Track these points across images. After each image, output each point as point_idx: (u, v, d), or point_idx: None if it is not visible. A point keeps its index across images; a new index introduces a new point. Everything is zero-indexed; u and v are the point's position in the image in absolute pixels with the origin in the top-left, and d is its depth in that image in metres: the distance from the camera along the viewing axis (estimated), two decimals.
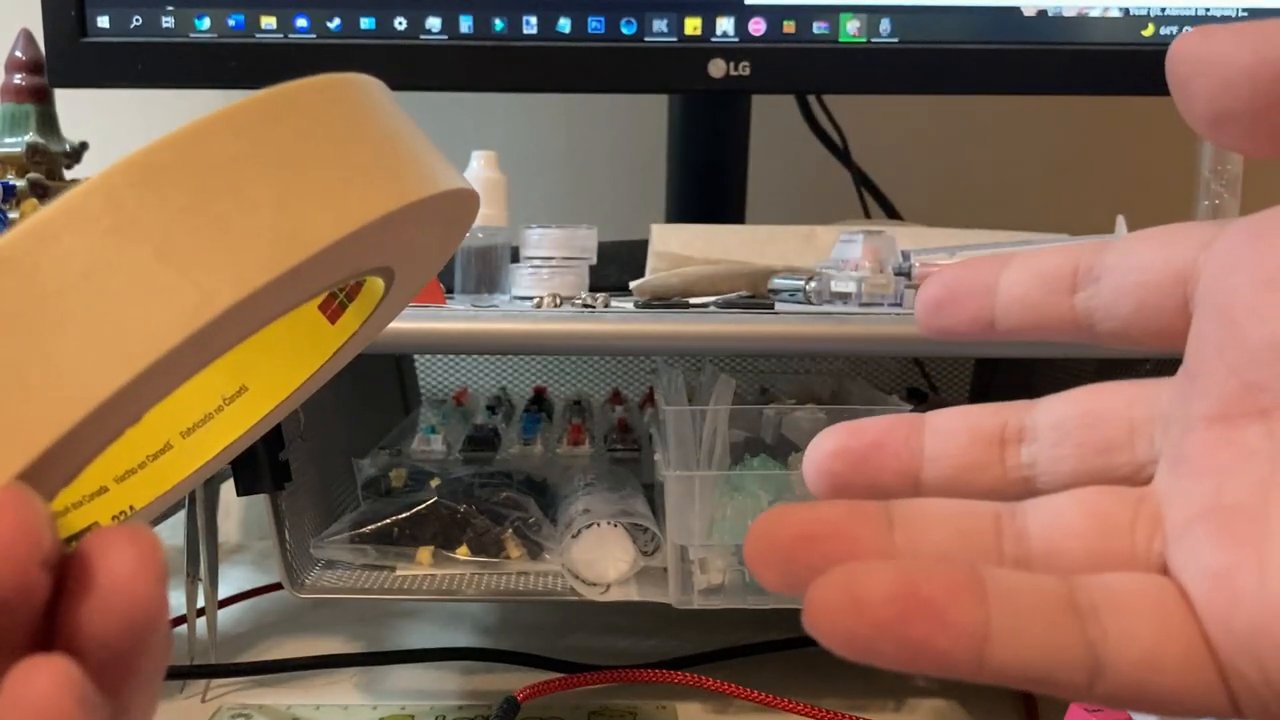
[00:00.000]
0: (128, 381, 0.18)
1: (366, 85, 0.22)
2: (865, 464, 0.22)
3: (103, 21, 0.69)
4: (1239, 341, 0.18)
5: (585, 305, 0.56)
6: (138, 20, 0.69)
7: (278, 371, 0.28)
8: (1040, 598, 0.17)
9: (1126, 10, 0.69)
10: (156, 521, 0.69)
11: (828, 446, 0.22)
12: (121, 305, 0.18)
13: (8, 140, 0.66)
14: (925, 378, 0.91)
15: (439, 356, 0.91)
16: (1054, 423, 0.21)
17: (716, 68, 0.69)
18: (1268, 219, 0.18)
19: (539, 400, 0.85)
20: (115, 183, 0.18)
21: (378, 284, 0.26)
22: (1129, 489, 0.19)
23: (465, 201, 0.24)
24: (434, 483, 0.63)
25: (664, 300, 0.58)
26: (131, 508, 0.27)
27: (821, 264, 0.56)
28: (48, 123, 0.68)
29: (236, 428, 0.28)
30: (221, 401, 0.28)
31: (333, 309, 0.27)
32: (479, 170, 0.62)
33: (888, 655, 0.17)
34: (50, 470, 0.18)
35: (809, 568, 0.18)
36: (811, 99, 0.87)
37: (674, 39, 0.69)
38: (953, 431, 0.22)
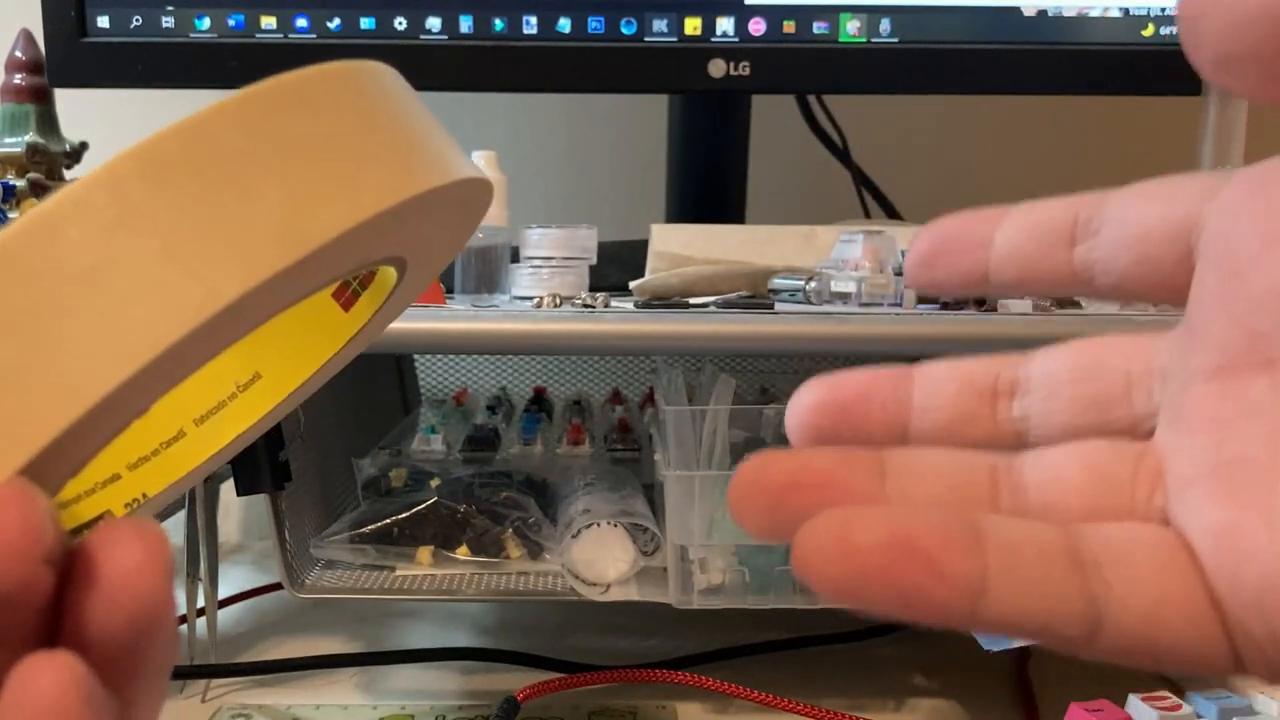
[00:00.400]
0: (131, 376, 0.17)
1: (377, 72, 0.21)
2: (850, 416, 0.21)
3: (103, 21, 0.69)
4: (1243, 292, 0.17)
5: (585, 305, 0.56)
6: (138, 20, 0.69)
7: (291, 359, 0.28)
8: (1040, 548, 0.17)
9: (1126, 10, 0.69)
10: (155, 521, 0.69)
11: (808, 400, 0.22)
12: (126, 299, 0.17)
13: (8, 140, 0.66)
14: None
15: (439, 356, 0.91)
16: (1048, 375, 0.21)
17: (716, 68, 0.69)
18: (1273, 169, 0.18)
19: (539, 400, 0.85)
20: (120, 174, 0.18)
21: (390, 273, 0.25)
22: (1129, 444, 0.19)
23: (478, 190, 0.23)
24: (434, 483, 0.63)
25: (664, 300, 0.58)
26: (144, 495, 0.26)
27: (821, 264, 0.56)
28: (48, 123, 0.68)
29: (250, 415, 0.28)
30: (235, 389, 0.28)
31: (346, 297, 0.27)
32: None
33: (878, 601, 0.16)
34: (54, 464, 0.18)
35: (797, 515, 0.17)
36: (811, 99, 0.87)
37: (674, 39, 0.69)
38: (942, 382, 0.21)
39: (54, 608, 0.18)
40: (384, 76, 0.22)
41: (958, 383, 0.21)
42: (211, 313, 0.18)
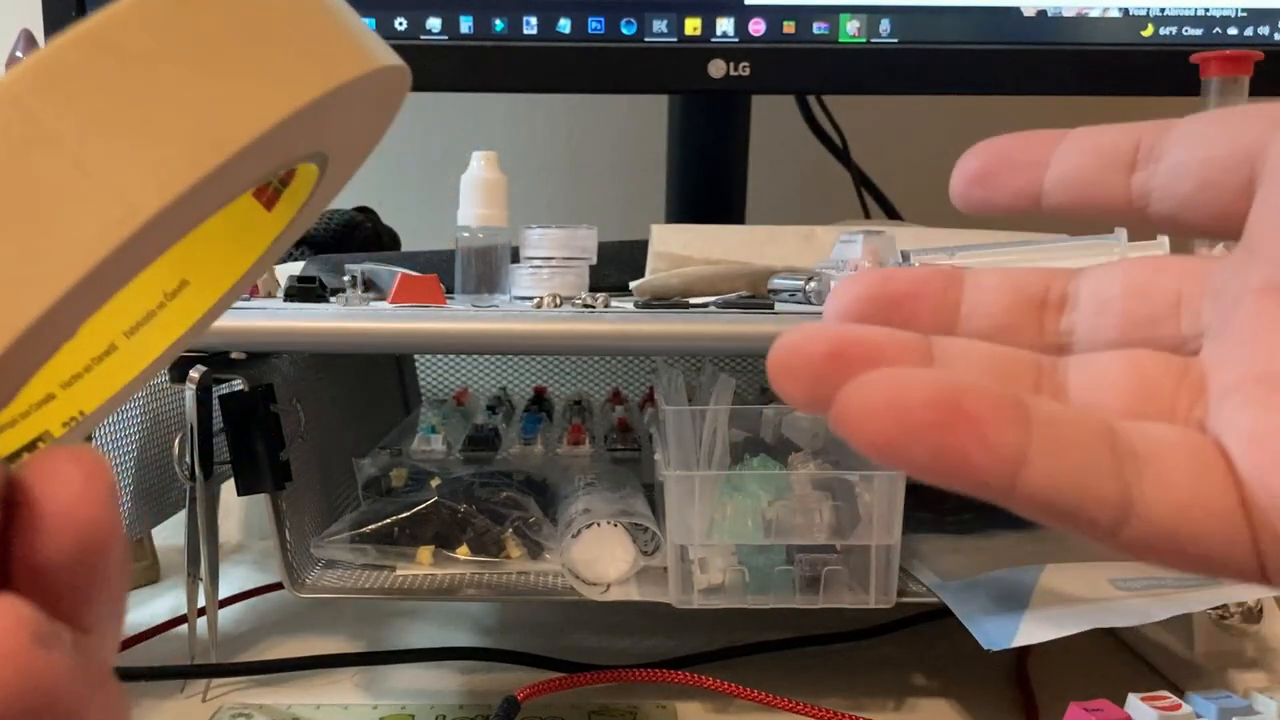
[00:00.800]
0: (54, 302, 0.17)
1: None
2: (898, 311, 0.21)
3: None
4: None
5: (585, 305, 0.56)
6: None
7: (218, 263, 0.27)
8: (1083, 431, 0.17)
9: (1126, 10, 0.69)
10: (155, 521, 0.69)
11: (857, 291, 0.21)
12: (42, 220, 0.17)
13: None
14: None
15: (439, 356, 0.91)
16: (1098, 291, 0.21)
17: (716, 68, 0.69)
18: None
19: (539, 400, 0.85)
20: (21, 90, 0.17)
21: (311, 170, 0.25)
22: (1175, 358, 0.19)
23: (396, 78, 0.22)
24: (434, 482, 0.63)
25: (664, 300, 0.58)
26: (81, 412, 0.26)
27: (821, 264, 0.56)
28: None
29: (181, 324, 0.27)
30: (163, 298, 0.27)
31: (268, 196, 0.26)
32: (479, 170, 0.62)
33: (919, 463, 0.16)
34: None
35: (840, 385, 0.17)
36: (811, 99, 0.87)
37: (674, 39, 0.69)
38: (992, 290, 0.21)
39: (1, 545, 0.18)
40: None
41: (1008, 292, 0.21)
42: (132, 230, 0.17)
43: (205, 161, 0.18)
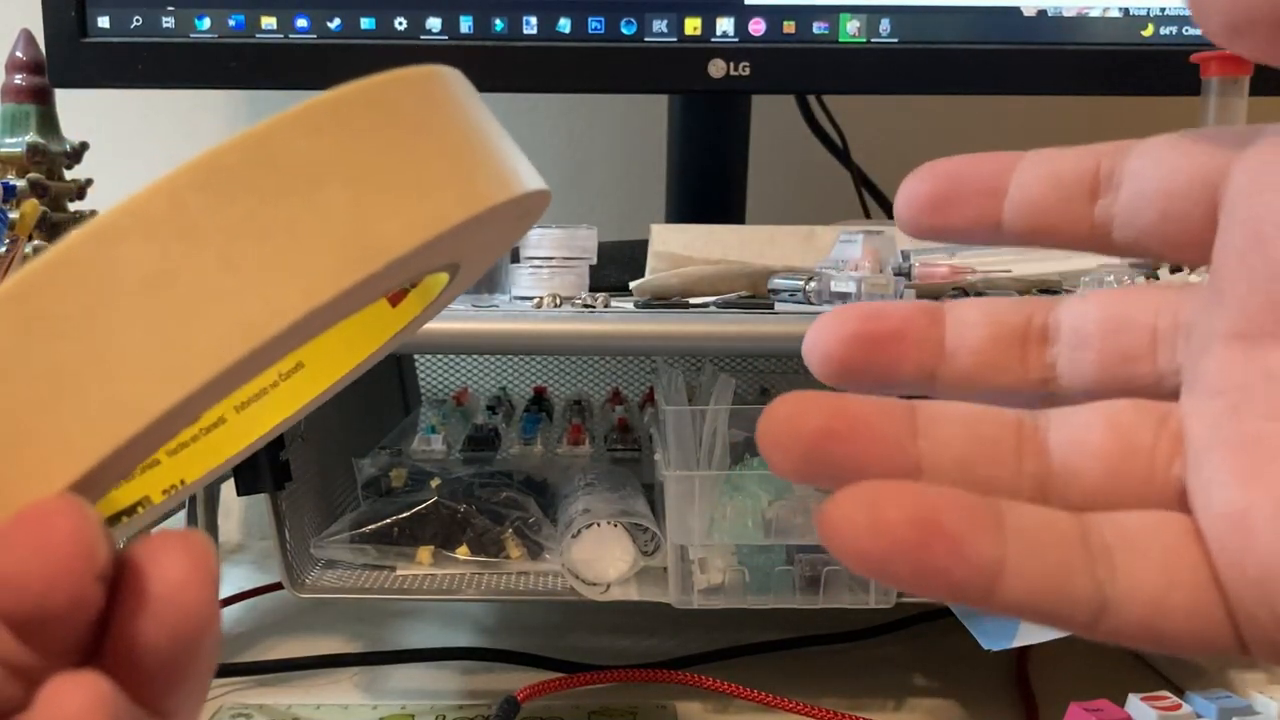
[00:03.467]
0: (187, 395, 0.17)
1: (444, 78, 0.21)
2: (882, 354, 0.20)
3: (103, 22, 0.69)
4: (1266, 258, 0.17)
5: (585, 305, 0.56)
6: (138, 20, 0.69)
7: (336, 351, 0.27)
8: (1055, 534, 0.17)
9: (1126, 10, 0.69)
10: (156, 522, 0.69)
11: (843, 331, 0.20)
12: (184, 315, 0.17)
13: (8, 140, 0.66)
14: None
15: (439, 356, 0.91)
16: (1076, 326, 0.20)
17: (716, 68, 0.69)
18: None
19: (539, 400, 0.85)
20: (180, 185, 0.17)
21: (442, 276, 0.25)
22: (1154, 405, 0.19)
23: (537, 200, 0.23)
24: (434, 483, 0.63)
25: (664, 300, 0.58)
26: (182, 481, 0.26)
27: (821, 264, 0.56)
28: (48, 123, 0.68)
29: (291, 404, 0.27)
30: (278, 378, 0.27)
31: (395, 294, 0.26)
32: None
33: (901, 577, 0.16)
34: (105, 477, 0.18)
35: (830, 464, 0.18)
36: (811, 99, 0.87)
37: (674, 39, 0.69)
38: (973, 325, 0.21)
39: (102, 619, 0.18)
40: (451, 81, 0.21)
41: (989, 325, 0.21)
42: (273, 333, 0.17)
43: (350, 275, 0.18)
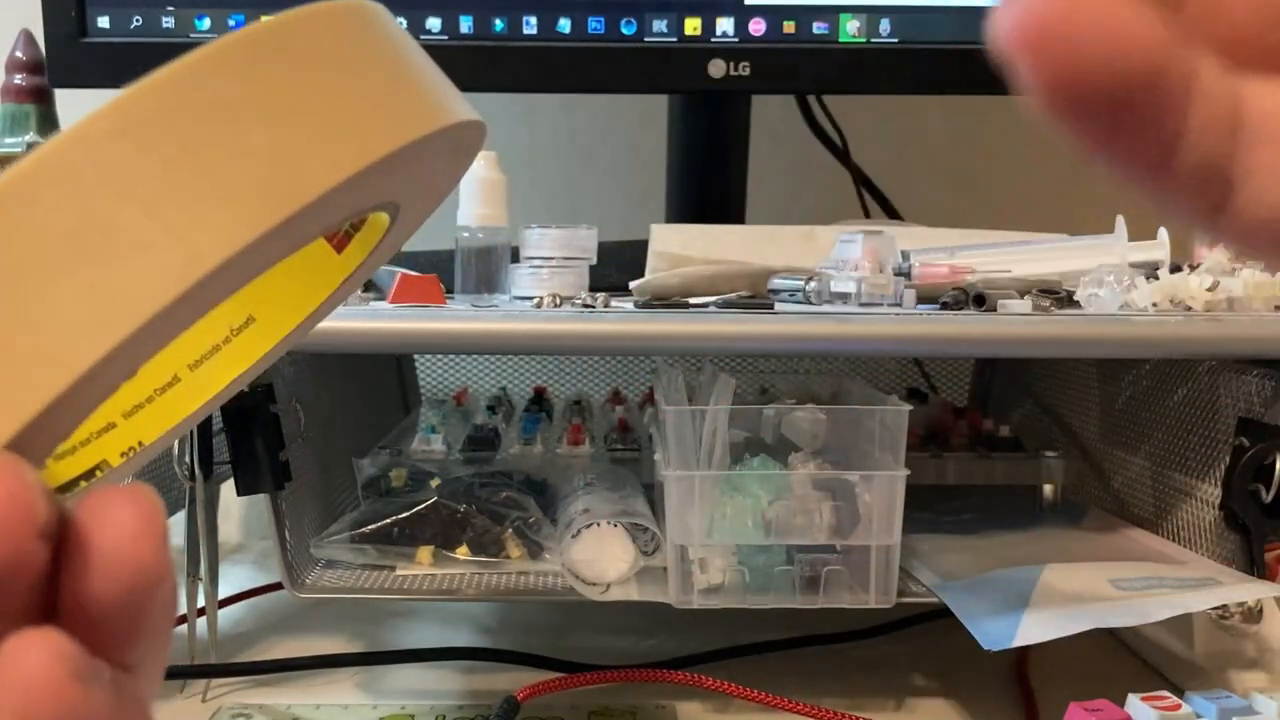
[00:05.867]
0: (116, 345, 0.17)
1: (363, 9, 0.20)
2: None
3: (103, 22, 0.69)
4: None
5: (585, 305, 0.56)
6: (138, 21, 0.69)
7: (285, 302, 0.27)
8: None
9: None
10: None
11: None
12: (109, 264, 0.17)
13: (8, 140, 0.66)
14: (925, 377, 0.91)
15: (439, 356, 0.91)
16: None
17: (716, 68, 0.69)
18: None
19: (539, 400, 0.85)
20: (95, 133, 0.17)
21: (383, 217, 0.25)
22: None
23: (472, 131, 0.23)
24: (434, 483, 0.63)
25: (664, 300, 0.58)
26: (140, 443, 0.26)
27: (821, 264, 0.56)
28: (48, 123, 0.68)
29: (245, 359, 0.27)
30: (229, 333, 0.27)
31: (338, 239, 0.26)
32: (479, 170, 0.62)
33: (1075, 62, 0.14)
34: (41, 435, 0.18)
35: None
36: (811, 99, 0.87)
37: (674, 39, 0.69)
38: None
39: (50, 577, 0.18)
40: (371, 14, 0.20)
41: None
42: (198, 276, 0.17)
43: (274, 213, 0.18)
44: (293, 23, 0.19)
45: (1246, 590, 0.53)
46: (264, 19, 0.19)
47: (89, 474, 0.25)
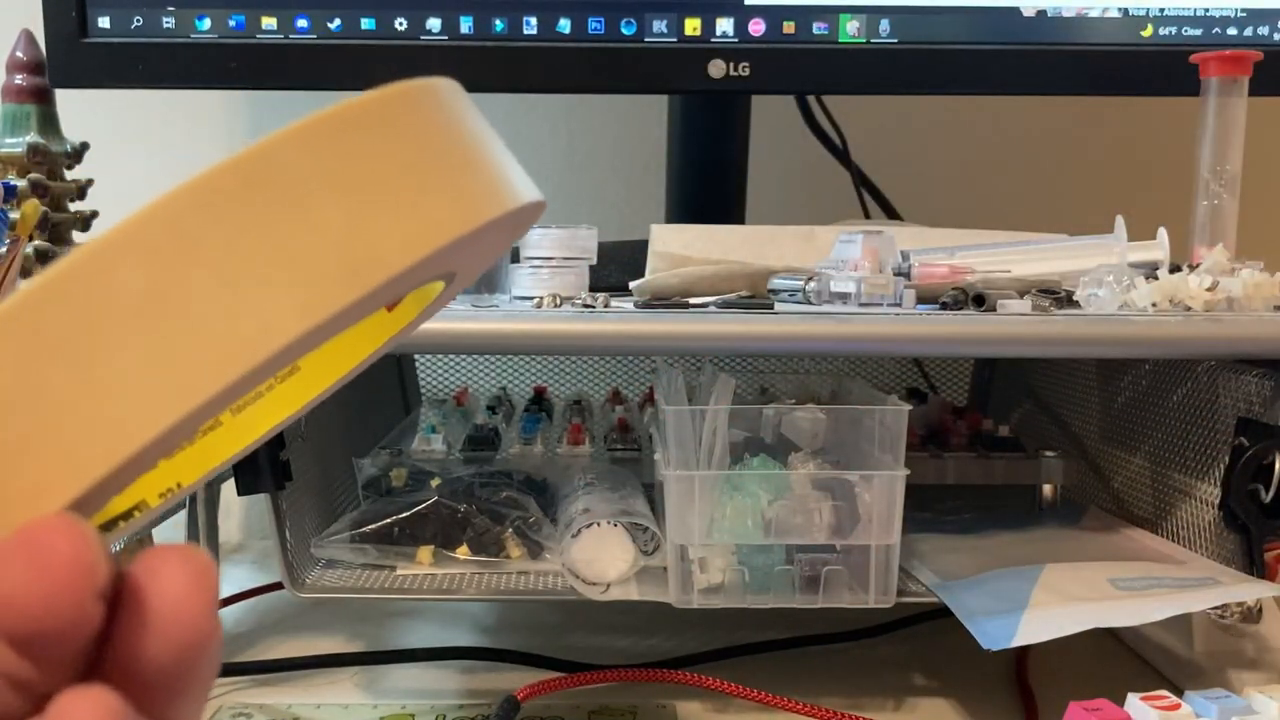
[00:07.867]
0: (184, 415, 0.17)
1: (440, 91, 0.20)
2: None
3: (103, 22, 0.69)
4: None
5: (585, 305, 0.56)
6: (138, 21, 0.69)
7: (332, 355, 0.27)
8: None
9: (1126, 10, 0.69)
10: (157, 521, 0.69)
11: None
12: (182, 335, 0.17)
13: (9, 140, 0.66)
14: (924, 377, 0.91)
15: (439, 356, 0.91)
16: None
17: (716, 68, 0.69)
18: None
19: (539, 400, 0.85)
20: (177, 206, 0.17)
21: (438, 284, 0.25)
22: None
23: (532, 210, 0.23)
24: (434, 482, 0.63)
25: (664, 300, 0.58)
26: (179, 484, 0.26)
27: (821, 264, 0.56)
28: (49, 123, 0.68)
29: (287, 407, 0.27)
30: (274, 381, 0.27)
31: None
32: None
33: None
34: (103, 495, 0.18)
35: None
36: (811, 99, 0.87)
37: (674, 39, 0.69)
38: None
39: (103, 635, 0.18)
40: (446, 94, 0.21)
41: None
42: (271, 352, 0.17)
43: (347, 293, 0.18)
44: (373, 102, 0.19)
45: (1246, 590, 0.53)
46: (345, 99, 0.19)
47: (127, 514, 0.25)
